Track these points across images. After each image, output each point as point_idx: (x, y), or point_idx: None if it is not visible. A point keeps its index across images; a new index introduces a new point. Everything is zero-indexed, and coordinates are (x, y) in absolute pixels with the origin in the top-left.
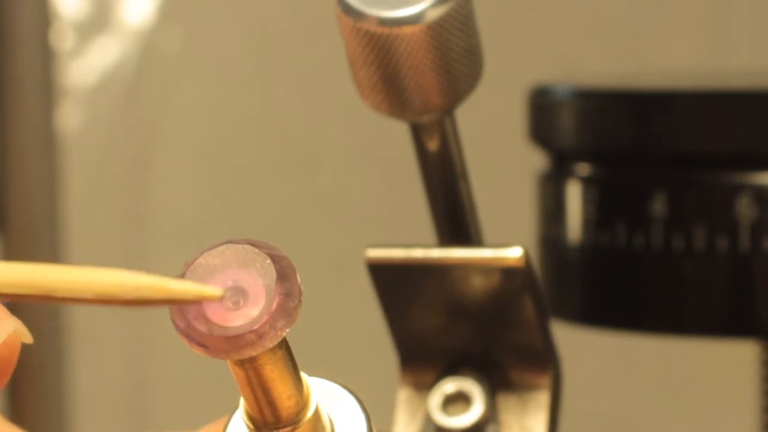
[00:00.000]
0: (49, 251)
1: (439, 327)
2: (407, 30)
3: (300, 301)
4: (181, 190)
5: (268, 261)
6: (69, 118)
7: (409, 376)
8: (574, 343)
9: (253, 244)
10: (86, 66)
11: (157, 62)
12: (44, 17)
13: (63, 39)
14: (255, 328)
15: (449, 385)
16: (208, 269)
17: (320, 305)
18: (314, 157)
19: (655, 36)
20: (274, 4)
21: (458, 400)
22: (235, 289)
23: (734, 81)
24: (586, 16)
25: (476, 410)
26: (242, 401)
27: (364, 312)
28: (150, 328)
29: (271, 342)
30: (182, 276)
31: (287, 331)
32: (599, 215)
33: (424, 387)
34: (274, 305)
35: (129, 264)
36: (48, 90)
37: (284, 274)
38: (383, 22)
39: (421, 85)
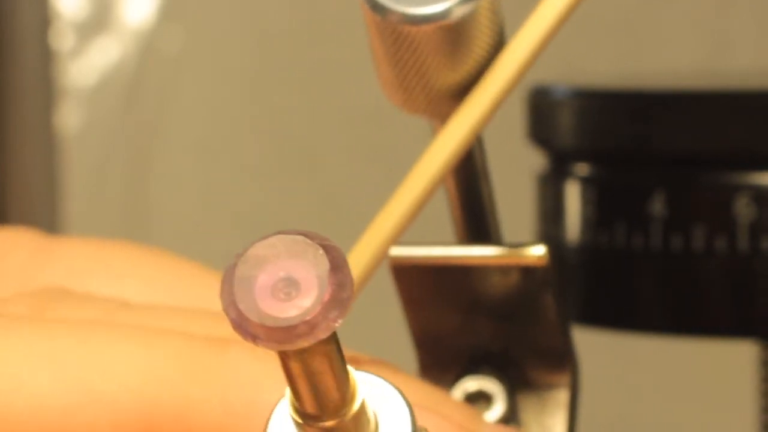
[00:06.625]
0: None
1: (460, 325)
2: (434, 27)
3: (353, 291)
4: (182, 190)
5: (321, 251)
6: (69, 118)
7: (429, 375)
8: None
9: (305, 235)
10: (86, 66)
11: (157, 62)
12: (44, 17)
13: (63, 39)
14: (307, 318)
15: (470, 384)
16: (259, 260)
17: None
18: (317, 156)
19: (655, 36)
20: (275, 4)
21: (479, 399)
22: (286, 280)
23: (734, 81)
24: (586, 16)
25: (497, 409)
26: (287, 391)
27: (379, 311)
28: None
29: (324, 333)
30: (233, 266)
31: (340, 322)
32: (599, 215)
33: (444, 386)
34: (327, 296)
35: None
36: (48, 90)
37: (336, 264)
38: (410, 18)
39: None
